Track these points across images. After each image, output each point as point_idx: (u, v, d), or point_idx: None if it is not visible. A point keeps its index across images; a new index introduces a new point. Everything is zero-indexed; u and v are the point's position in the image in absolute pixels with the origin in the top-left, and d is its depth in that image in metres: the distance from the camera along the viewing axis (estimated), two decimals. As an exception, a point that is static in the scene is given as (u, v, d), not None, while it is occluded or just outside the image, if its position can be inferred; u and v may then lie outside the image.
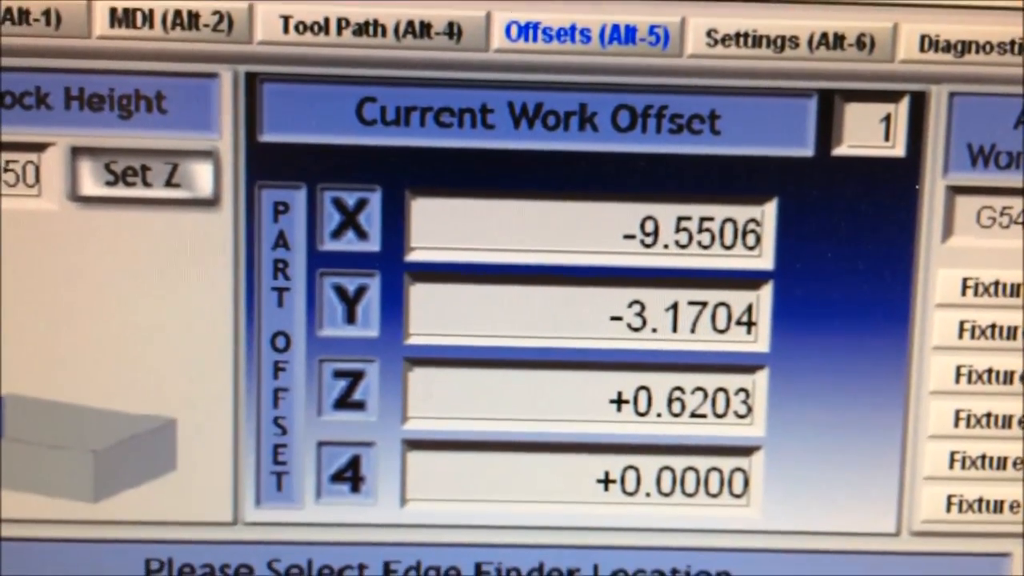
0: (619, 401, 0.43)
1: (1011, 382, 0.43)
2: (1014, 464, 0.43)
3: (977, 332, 0.42)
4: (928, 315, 0.42)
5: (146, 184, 0.41)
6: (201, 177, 0.41)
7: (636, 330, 0.43)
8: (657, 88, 0.41)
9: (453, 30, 0.40)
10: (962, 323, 0.42)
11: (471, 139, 0.41)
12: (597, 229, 0.42)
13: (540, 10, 0.40)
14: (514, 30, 0.40)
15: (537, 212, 0.42)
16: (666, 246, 0.42)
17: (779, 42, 0.40)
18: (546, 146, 0.41)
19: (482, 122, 0.41)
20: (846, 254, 0.42)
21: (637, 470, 0.43)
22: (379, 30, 0.40)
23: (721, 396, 0.43)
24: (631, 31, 0.40)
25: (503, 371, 0.43)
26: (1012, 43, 0.40)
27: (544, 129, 0.41)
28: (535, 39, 0.40)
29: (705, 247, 0.42)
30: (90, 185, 0.41)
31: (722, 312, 0.43)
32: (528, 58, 0.40)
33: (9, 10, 0.39)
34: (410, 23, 0.40)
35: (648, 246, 0.42)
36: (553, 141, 0.41)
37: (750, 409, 0.43)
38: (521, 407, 0.43)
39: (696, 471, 0.44)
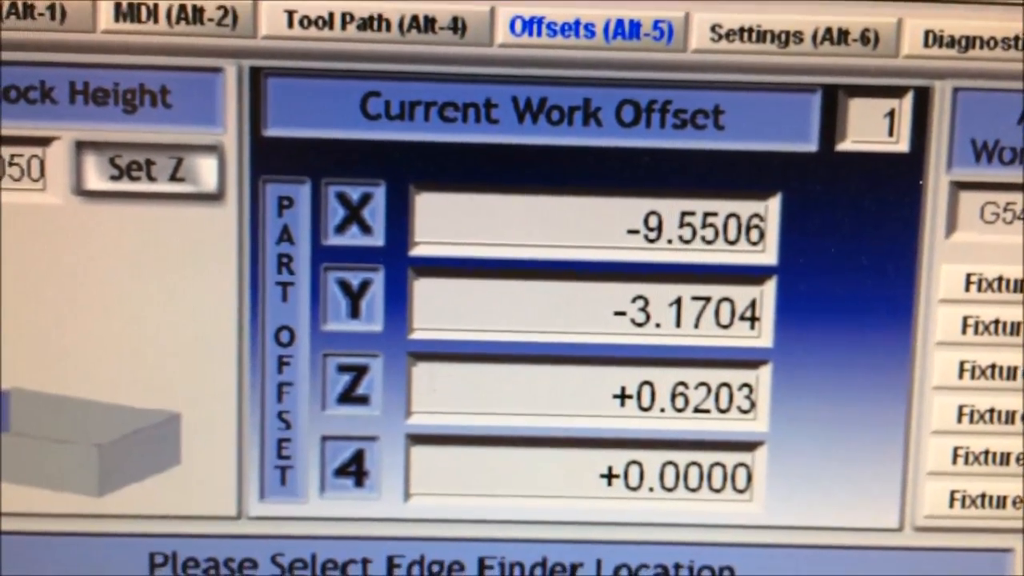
0: (623, 396, 0.43)
1: (1014, 378, 0.43)
2: (1017, 460, 0.43)
3: (980, 328, 0.42)
4: (931, 311, 0.42)
5: (150, 178, 0.41)
6: (205, 171, 0.41)
7: (640, 325, 0.43)
8: (661, 83, 0.41)
9: (457, 25, 0.40)
10: (965, 319, 0.42)
11: (475, 134, 0.41)
12: (601, 224, 0.42)
13: (544, 5, 0.40)
14: (518, 25, 0.40)
15: (541, 207, 0.42)
16: (670, 241, 0.42)
17: (783, 37, 0.40)
18: (550, 141, 0.41)
19: (486, 117, 0.41)
20: (850, 249, 0.42)
21: (640, 465, 0.43)
22: (383, 24, 0.40)
23: (724, 391, 0.43)
24: (635, 26, 0.40)
25: (506, 366, 0.43)
26: (1016, 39, 0.40)
27: (548, 124, 0.41)
28: (539, 34, 0.40)
29: (709, 242, 0.42)
30: (95, 179, 0.41)
31: (725, 307, 0.43)
32: (532, 53, 0.40)
33: (14, 4, 0.39)
34: (414, 17, 0.40)
35: (652, 241, 0.42)
36: (557, 136, 0.41)
37: (753, 404, 0.43)
38: (524, 402, 0.43)
39: (699, 466, 0.44)
